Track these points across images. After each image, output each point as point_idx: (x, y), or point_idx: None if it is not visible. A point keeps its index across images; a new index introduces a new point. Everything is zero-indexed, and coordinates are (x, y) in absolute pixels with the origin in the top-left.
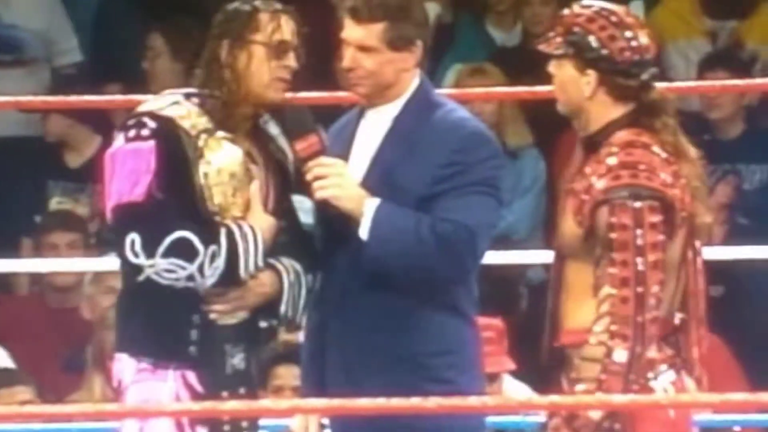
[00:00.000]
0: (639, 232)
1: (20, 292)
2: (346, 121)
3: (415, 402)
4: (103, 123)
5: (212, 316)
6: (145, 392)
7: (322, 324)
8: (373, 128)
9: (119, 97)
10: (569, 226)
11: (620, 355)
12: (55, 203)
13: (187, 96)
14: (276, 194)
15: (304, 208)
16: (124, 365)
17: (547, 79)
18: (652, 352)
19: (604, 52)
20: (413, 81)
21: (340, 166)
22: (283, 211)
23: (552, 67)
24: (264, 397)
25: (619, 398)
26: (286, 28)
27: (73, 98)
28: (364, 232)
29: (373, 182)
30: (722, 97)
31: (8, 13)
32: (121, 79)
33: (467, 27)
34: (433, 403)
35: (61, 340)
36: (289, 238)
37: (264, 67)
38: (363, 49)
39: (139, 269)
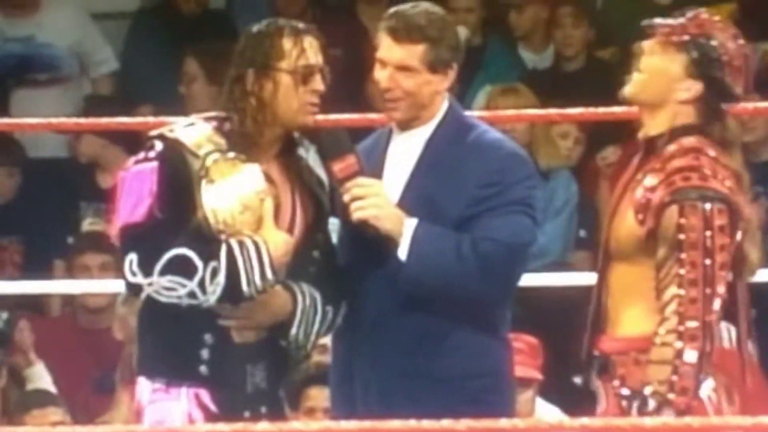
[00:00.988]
0: (708, 233)
1: (52, 314)
2: (373, 144)
3: (446, 424)
4: (135, 144)
5: (232, 333)
6: (159, 413)
7: (354, 347)
8: (406, 151)
9: (151, 119)
10: (627, 226)
11: (691, 355)
12: (88, 224)
13: (208, 119)
14: (305, 220)
15: (329, 230)
16: (142, 387)
17: (578, 101)
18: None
19: (724, 73)
20: (443, 103)
21: (378, 187)
22: (316, 240)
23: (653, 49)
24: (296, 419)
25: (650, 422)
26: (311, 51)
27: (105, 120)
28: (403, 253)
29: (409, 204)
30: (755, 120)
31: (42, 32)
32: (153, 100)
33: (497, 49)
34: (464, 425)
35: (92, 361)
36: (319, 269)
37: (292, 95)
38: (402, 69)
39: (138, 288)
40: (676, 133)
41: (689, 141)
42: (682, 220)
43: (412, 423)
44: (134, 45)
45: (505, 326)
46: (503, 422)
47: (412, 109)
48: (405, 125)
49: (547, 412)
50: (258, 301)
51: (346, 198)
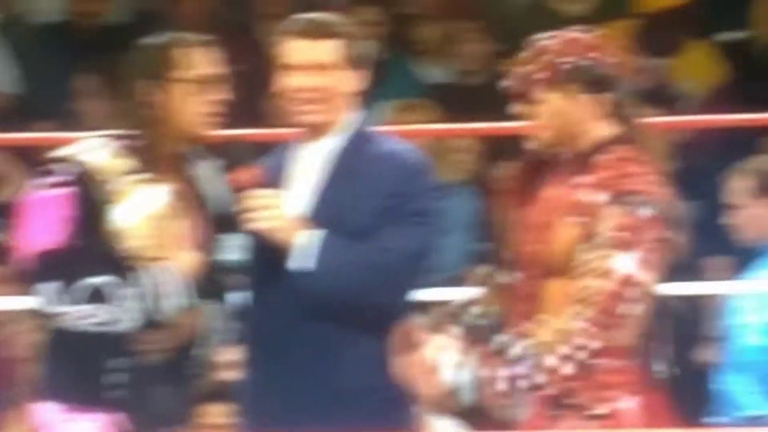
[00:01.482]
0: (641, 236)
1: None
2: (277, 158)
3: None
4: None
5: (143, 356)
6: (70, 431)
7: (260, 361)
8: (314, 162)
9: (49, 135)
10: (562, 237)
11: (583, 336)
12: None
13: (113, 137)
14: (207, 232)
15: (232, 245)
16: (48, 409)
17: (479, 115)
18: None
19: (607, 74)
20: (354, 114)
21: (276, 198)
22: (213, 254)
23: (538, 98)
24: None
25: None
26: (204, 61)
27: (4, 135)
28: (309, 263)
29: (317, 216)
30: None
31: None
32: (52, 116)
33: (400, 64)
34: None
35: None
36: (222, 286)
37: (185, 105)
38: (317, 68)
39: (55, 317)
40: (602, 144)
41: (615, 150)
42: (618, 221)
43: None
44: (34, 61)
45: None
46: None
47: (329, 112)
48: (313, 135)
49: (444, 427)
50: (170, 324)
51: (244, 208)
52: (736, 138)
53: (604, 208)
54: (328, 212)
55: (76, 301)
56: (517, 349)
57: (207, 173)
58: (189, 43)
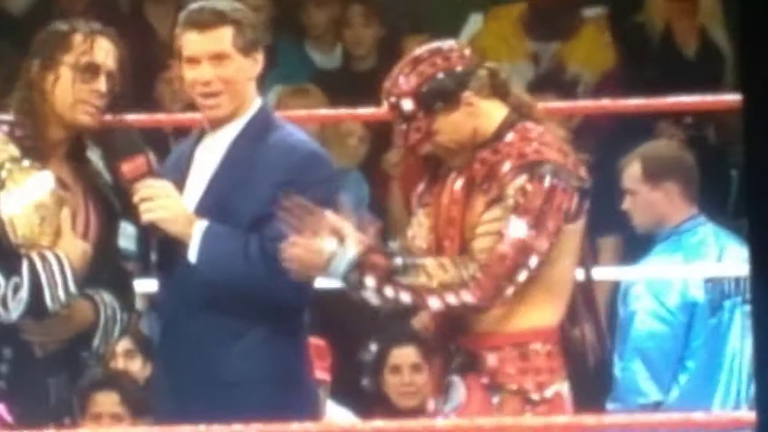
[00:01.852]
0: (548, 204)
1: None
2: (182, 149)
3: (237, 428)
4: None
5: (33, 347)
6: None
7: (161, 350)
8: (212, 151)
9: None
10: (474, 210)
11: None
12: None
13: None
14: (99, 224)
15: (126, 233)
16: None
17: (366, 101)
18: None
19: (466, 71)
20: (255, 101)
21: (166, 188)
22: (109, 245)
23: (438, 123)
24: (83, 425)
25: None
26: (99, 51)
27: None
28: (192, 255)
29: (208, 205)
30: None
31: None
32: None
33: (287, 49)
34: (254, 429)
35: None
36: (112, 275)
37: (69, 89)
38: (215, 58)
39: None
40: (501, 128)
41: (518, 128)
42: (527, 186)
43: (202, 428)
44: None
45: (303, 329)
46: (294, 426)
47: (232, 101)
48: (215, 124)
49: (338, 414)
50: (61, 314)
51: (135, 199)
52: (628, 124)
53: (509, 175)
54: (220, 202)
55: None
56: (407, 277)
57: (95, 160)
58: (91, 31)
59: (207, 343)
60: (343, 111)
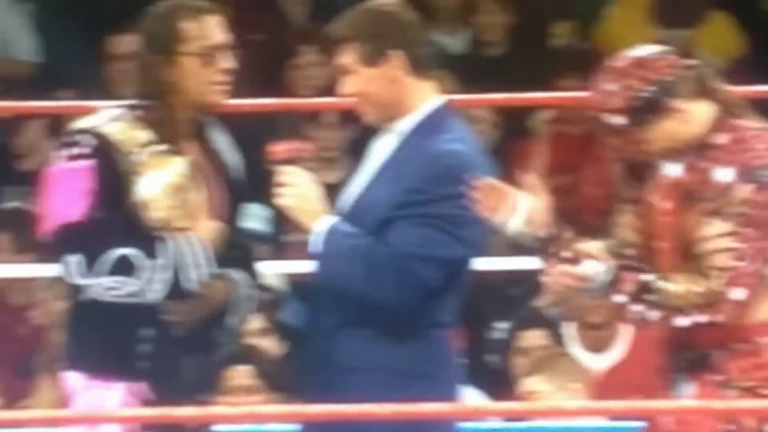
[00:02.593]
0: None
1: None
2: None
3: (370, 407)
4: (56, 127)
5: (171, 326)
6: (92, 399)
7: (299, 336)
8: (380, 147)
9: (73, 104)
10: (695, 225)
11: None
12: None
13: (130, 108)
14: (227, 203)
15: (258, 214)
16: (74, 378)
17: (495, 86)
18: None
19: (675, 79)
20: (427, 101)
21: (302, 177)
22: (235, 222)
23: (650, 133)
24: (218, 399)
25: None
26: (213, 30)
27: (27, 103)
28: (313, 248)
29: (355, 204)
30: None
31: None
32: (75, 84)
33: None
34: (389, 409)
35: (13, 345)
36: (241, 253)
37: (198, 77)
38: (348, 73)
39: (82, 289)
40: (714, 127)
41: (731, 128)
42: (754, 196)
43: (334, 407)
44: (53, 29)
45: (440, 323)
46: (426, 406)
47: (377, 110)
48: (389, 125)
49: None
50: (198, 294)
51: (274, 182)
52: (757, 110)
53: (732, 185)
54: (363, 201)
55: (100, 273)
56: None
57: (223, 142)
58: (196, 12)
59: (334, 330)
60: (473, 96)
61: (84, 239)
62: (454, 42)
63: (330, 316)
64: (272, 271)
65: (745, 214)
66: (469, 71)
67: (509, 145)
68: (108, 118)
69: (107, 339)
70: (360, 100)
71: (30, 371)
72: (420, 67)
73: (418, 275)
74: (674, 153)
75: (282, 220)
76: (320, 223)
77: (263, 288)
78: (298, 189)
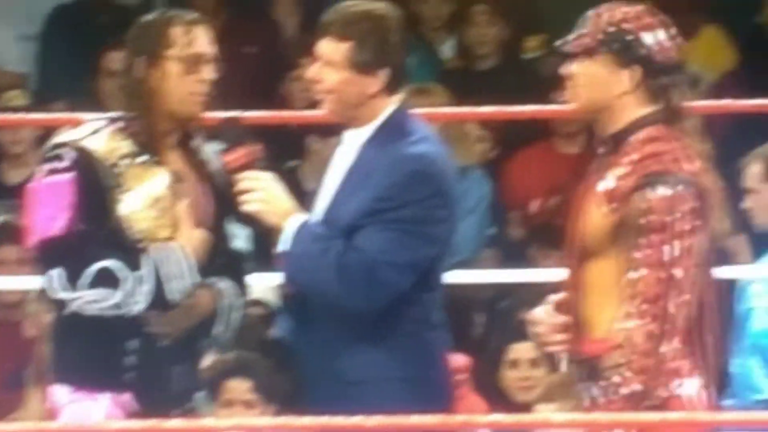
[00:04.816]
0: (672, 217)
1: None
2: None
3: (357, 420)
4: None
5: (157, 338)
6: (78, 412)
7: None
8: (346, 152)
9: (63, 116)
10: (595, 221)
11: (645, 335)
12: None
13: (111, 120)
14: (213, 211)
15: (240, 234)
16: (59, 392)
17: (489, 99)
18: (678, 358)
19: (651, 49)
20: (388, 107)
21: (266, 180)
22: (222, 232)
23: (578, 66)
24: (215, 411)
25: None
26: (202, 40)
27: (18, 116)
28: (279, 248)
29: (328, 207)
30: None
31: None
32: (66, 96)
33: (411, 47)
34: (374, 421)
35: (2, 356)
36: (227, 260)
37: (180, 83)
38: (328, 64)
39: (63, 304)
40: (637, 124)
41: (650, 131)
42: (648, 204)
43: (324, 419)
44: (48, 42)
45: (433, 330)
46: (415, 418)
47: (339, 107)
48: (344, 123)
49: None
50: (183, 305)
51: (236, 190)
52: (747, 123)
53: (633, 193)
54: (331, 211)
55: (83, 286)
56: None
57: (208, 153)
58: (188, 21)
59: (330, 342)
60: (466, 109)
61: (66, 253)
62: (444, 53)
63: (322, 329)
64: (263, 284)
65: (647, 221)
66: (458, 84)
67: (502, 159)
68: (89, 130)
69: (92, 352)
70: (328, 93)
71: (20, 384)
72: (397, 85)
73: (387, 280)
74: (589, 117)
75: (269, 233)
76: (291, 222)
77: (255, 302)
78: (263, 192)
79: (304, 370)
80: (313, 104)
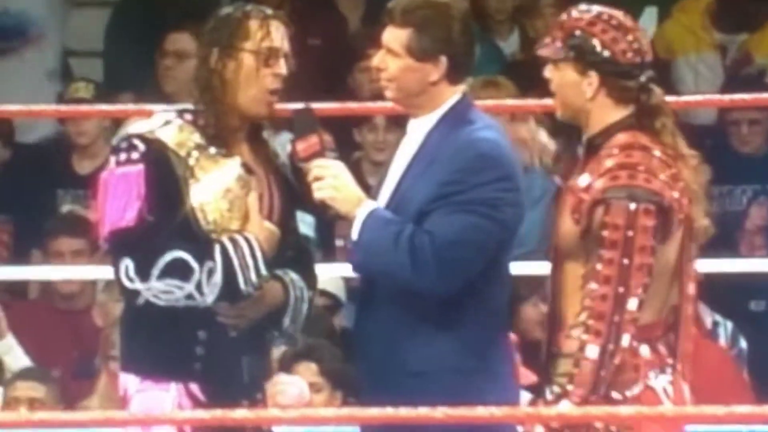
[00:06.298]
0: (630, 233)
1: (30, 296)
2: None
3: (423, 411)
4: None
5: (227, 328)
6: (147, 401)
7: (354, 331)
8: (410, 140)
9: (131, 107)
10: (566, 225)
11: (592, 351)
12: (65, 210)
13: (181, 113)
14: (281, 204)
15: (305, 221)
16: (129, 381)
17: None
18: (646, 352)
19: (606, 54)
20: (451, 96)
21: (336, 168)
22: (290, 224)
23: (549, 72)
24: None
25: (626, 410)
26: (276, 35)
27: (85, 107)
28: (353, 235)
29: (395, 194)
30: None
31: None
32: (134, 87)
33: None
34: (440, 413)
35: (70, 344)
36: (295, 253)
37: (253, 76)
38: (389, 52)
39: (136, 294)
40: (610, 130)
41: (621, 138)
42: (607, 218)
43: (389, 410)
44: (115, 32)
45: (495, 321)
46: (479, 410)
47: (400, 93)
48: (407, 111)
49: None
50: (253, 296)
51: (308, 178)
52: None
53: (595, 203)
54: (397, 191)
55: (155, 277)
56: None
57: (278, 145)
58: (264, 15)
59: (393, 332)
60: (531, 101)
61: (137, 244)
62: (508, 46)
63: (386, 319)
64: (329, 275)
65: (607, 235)
66: (523, 77)
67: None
68: (160, 122)
69: (162, 341)
70: (390, 81)
71: (90, 373)
72: (459, 75)
73: (459, 261)
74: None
75: (334, 224)
76: (362, 209)
77: (321, 292)
78: (333, 180)
79: (367, 360)
80: (380, 96)
